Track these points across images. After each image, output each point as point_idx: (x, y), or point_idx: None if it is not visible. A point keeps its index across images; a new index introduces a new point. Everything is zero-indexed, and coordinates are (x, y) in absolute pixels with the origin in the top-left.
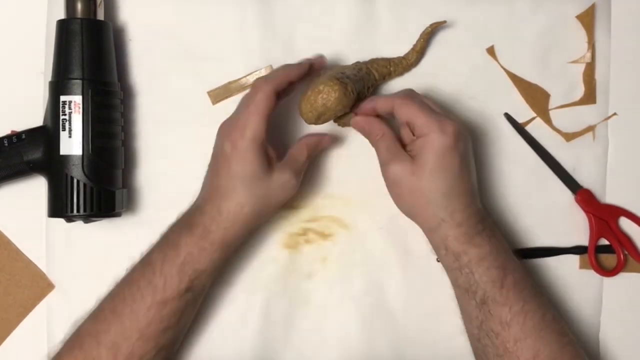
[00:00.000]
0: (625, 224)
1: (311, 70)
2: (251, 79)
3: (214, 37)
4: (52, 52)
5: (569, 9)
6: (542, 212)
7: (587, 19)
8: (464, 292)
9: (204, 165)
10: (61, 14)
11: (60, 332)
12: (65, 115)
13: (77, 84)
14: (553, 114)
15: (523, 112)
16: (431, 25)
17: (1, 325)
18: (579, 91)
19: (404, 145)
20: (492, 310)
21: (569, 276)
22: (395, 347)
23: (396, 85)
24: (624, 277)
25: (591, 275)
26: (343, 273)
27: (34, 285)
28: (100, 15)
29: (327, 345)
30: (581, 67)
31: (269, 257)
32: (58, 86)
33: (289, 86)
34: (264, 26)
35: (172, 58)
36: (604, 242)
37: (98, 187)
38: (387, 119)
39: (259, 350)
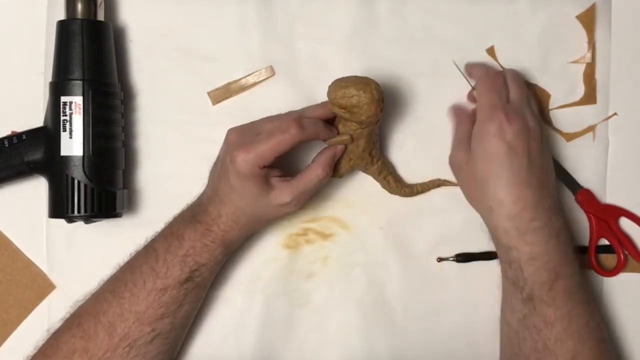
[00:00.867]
0: (625, 224)
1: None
2: (251, 79)
3: (214, 37)
4: (53, 52)
5: (569, 9)
6: None
7: (588, 19)
8: (511, 284)
9: (204, 165)
10: (61, 15)
11: None
12: (65, 116)
13: (77, 84)
14: (553, 114)
15: None
16: (443, 181)
17: (2, 325)
18: (579, 91)
19: None
20: (537, 308)
21: None
22: (395, 347)
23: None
24: (624, 277)
25: (591, 275)
26: (343, 273)
27: (34, 286)
28: (101, 16)
29: (328, 345)
30: (581, 67)
31: (269, 257)
32: (58, 87)
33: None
34: (264, 26)
35: (172, 58)
36: (604, 242)
37: (99, 187)
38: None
39: (259, 350)
